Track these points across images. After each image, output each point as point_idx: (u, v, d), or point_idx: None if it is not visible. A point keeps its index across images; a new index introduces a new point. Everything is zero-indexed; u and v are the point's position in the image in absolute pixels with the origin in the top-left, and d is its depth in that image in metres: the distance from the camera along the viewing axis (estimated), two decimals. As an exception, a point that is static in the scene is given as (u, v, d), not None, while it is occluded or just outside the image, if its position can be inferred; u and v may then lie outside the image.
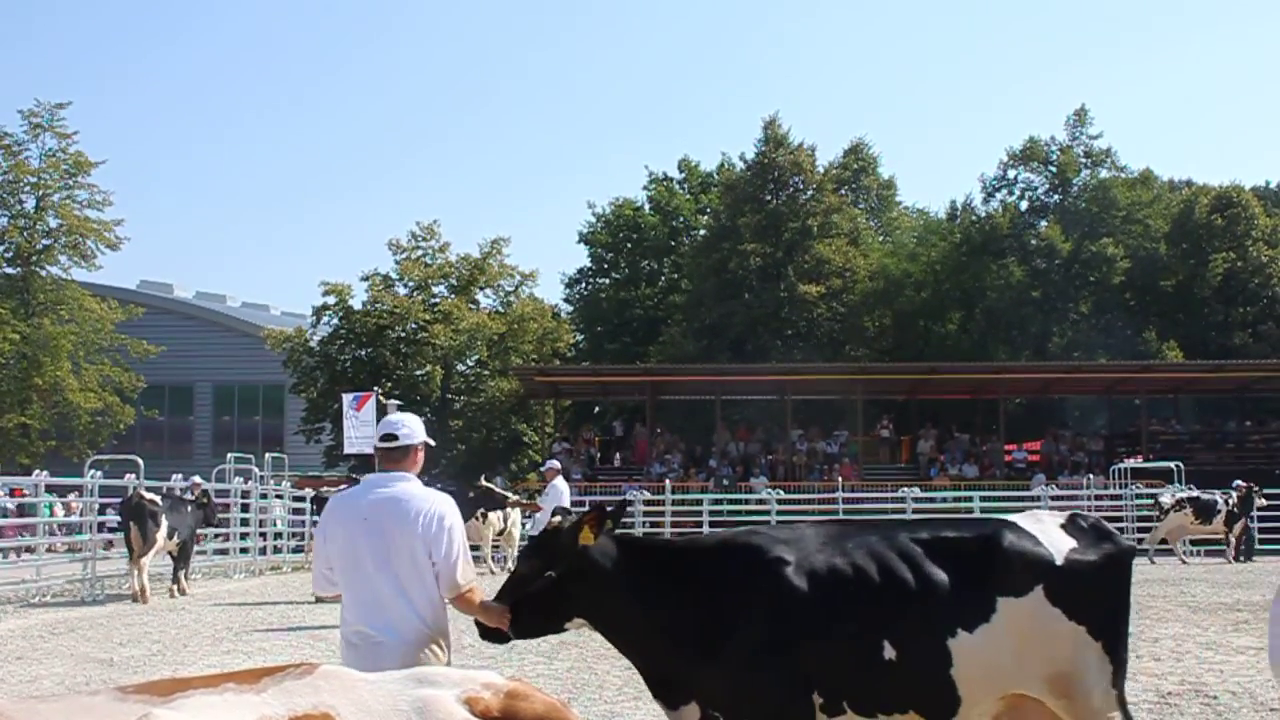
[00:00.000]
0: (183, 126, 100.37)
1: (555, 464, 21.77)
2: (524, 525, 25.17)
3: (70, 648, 14.90)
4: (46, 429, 44.87)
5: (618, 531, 5.96)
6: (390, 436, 5.90)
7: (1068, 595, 5.74)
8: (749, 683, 5.53)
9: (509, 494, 21.41)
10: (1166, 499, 29.79)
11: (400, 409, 39.66)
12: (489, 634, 5.87)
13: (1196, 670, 11.77)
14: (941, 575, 5.71)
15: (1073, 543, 5.96)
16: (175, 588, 22.55)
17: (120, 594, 22.53)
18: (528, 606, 5.78)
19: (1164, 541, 30.40)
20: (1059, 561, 5.81)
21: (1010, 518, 6.16)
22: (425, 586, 5.66)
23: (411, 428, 6.02)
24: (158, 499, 22.69)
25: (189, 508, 24.00)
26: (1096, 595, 5.88)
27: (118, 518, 25.34)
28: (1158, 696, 10.35)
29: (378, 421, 32.66)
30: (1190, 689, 10.67)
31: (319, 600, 18.73)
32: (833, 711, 5.63)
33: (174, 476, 29.12)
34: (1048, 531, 5.99)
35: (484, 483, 22.69)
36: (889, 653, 5.57)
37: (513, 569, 6.37)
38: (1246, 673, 11.55)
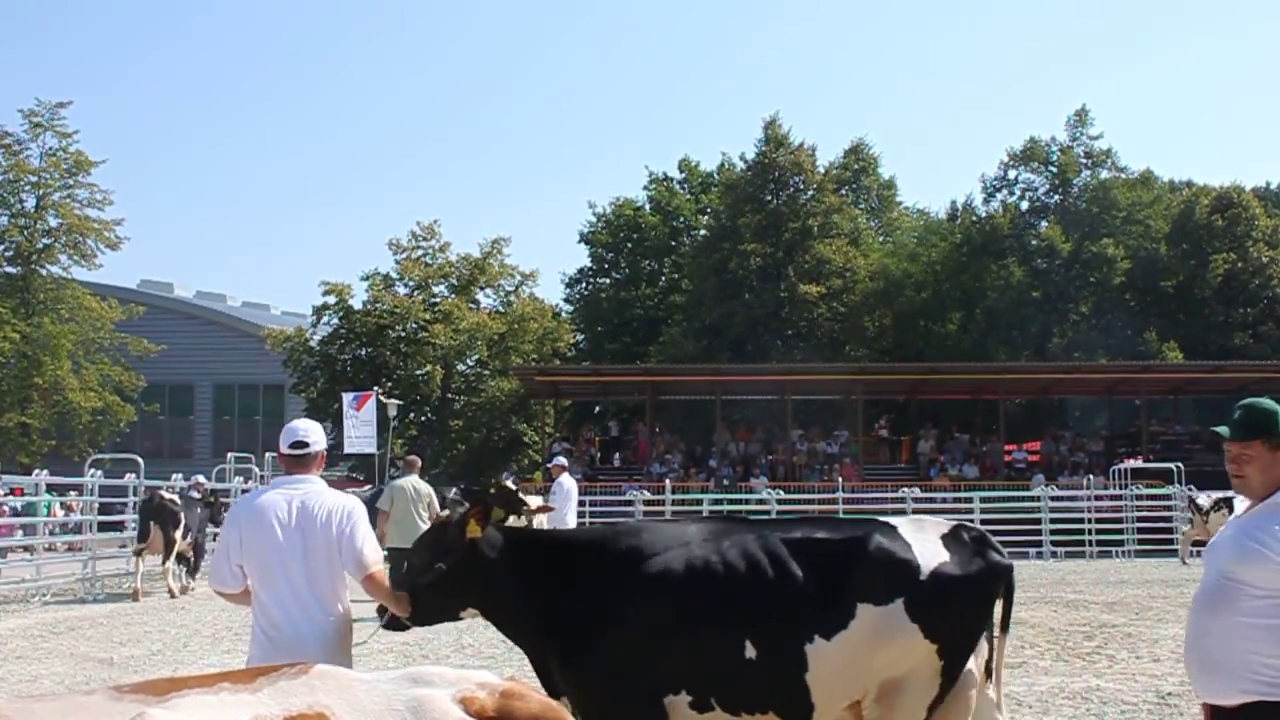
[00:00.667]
0: (183, 126, 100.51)
1: (562, 460, 21.70)
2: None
3: (70, 647, 14.91)
4: (47, 428, 44.87)
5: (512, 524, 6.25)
6: (301, 444, 6.16)
7: (928, 611, 5.66)
8: (612, 676, 5.59)
9: (526, 501, 21.36)
10: (1204, 500, 29.53)
11: (400, 409, 39.92)
12: (392, 623, 6.14)
13: (1196, 671, 11.75)
14: (806, 577, 5.68)
15: (945, 556, 5.86)
16: (177, 586, 22.59)
17: (120, 593, 22.54)
18: (422, 596, 5.98)
19: (1198, 543, 30.22)
20: (924, 575, 5.72)
21: (894, 521, 6.09)
22: (335, 585, 5.98)
23: (318, 436, 6.30)
24: (177, 499, 22.90)
25: (199, 508, 24.15)
26: (957, 615, 5.80)
27: (116, 517, 25.45)
28: (1157, 697, 10.36)
29: (378, 421, 32.76)
30: (1190, 690, 10.63)
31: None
32: (702, 708, 5.64)
33: (174, 476, 29.11)
34: (923, 540, 5.91)
35: (504, 483, 22.75)
36: (750, 652, 5.56)
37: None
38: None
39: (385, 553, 18.52)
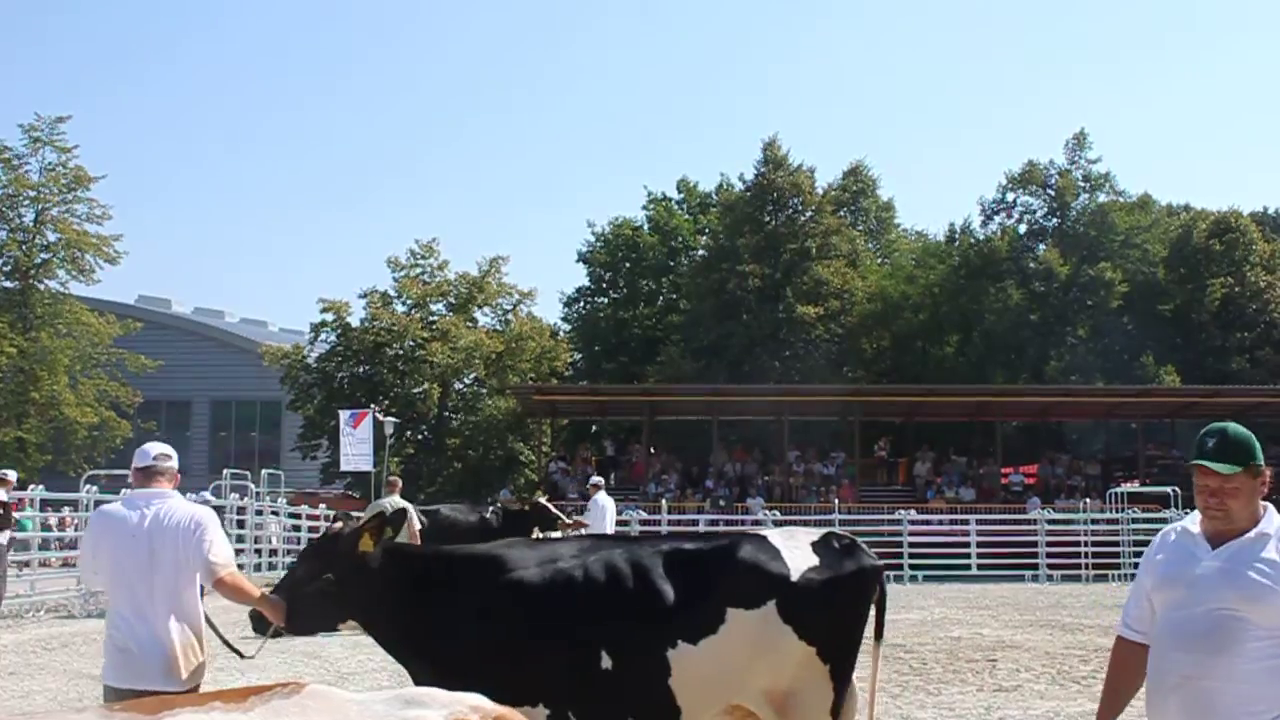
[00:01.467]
0: (182, 142, 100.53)
1: (598, 479, 21.98)
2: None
3: (63, 663, 14.86)
4: (43, 443, 44.78)
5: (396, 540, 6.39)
6: (165, 455, 6.47)
7: (800, 613, 5.76)
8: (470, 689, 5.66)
9: (560, 514, 21.55)
10: None
11: (397, 427, 39.87)
12: (260, 625, 6.27)
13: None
14: (670, 587, 5.79)
15: (814, 560, 5.98)
16: None
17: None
18: (304, 605, 6.09)
19: None
20: (794, 578, 5.84)
21: (763, 532, 6.24)
22: (185, 598, 6.17)
23: (174, 455, 6.65)
24: None
25: None
26: (831, 616, 5.91)
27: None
28: None
29: (375, 439, 32.78)
30: (1186, 715, 10.63)
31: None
32: None
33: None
34: (793, 547, 6.04)
35: (540, 500, 22.88)
36: (605, 662, 5.66)
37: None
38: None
39: None
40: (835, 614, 5.93)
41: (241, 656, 6.47)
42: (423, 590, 6.04)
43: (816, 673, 5.81)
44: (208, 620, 6.44)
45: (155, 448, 6.56)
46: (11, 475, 21.75)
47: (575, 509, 36.29)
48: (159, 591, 6.04)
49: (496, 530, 20.42)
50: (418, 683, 5.87)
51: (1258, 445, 4.46)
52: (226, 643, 6.50)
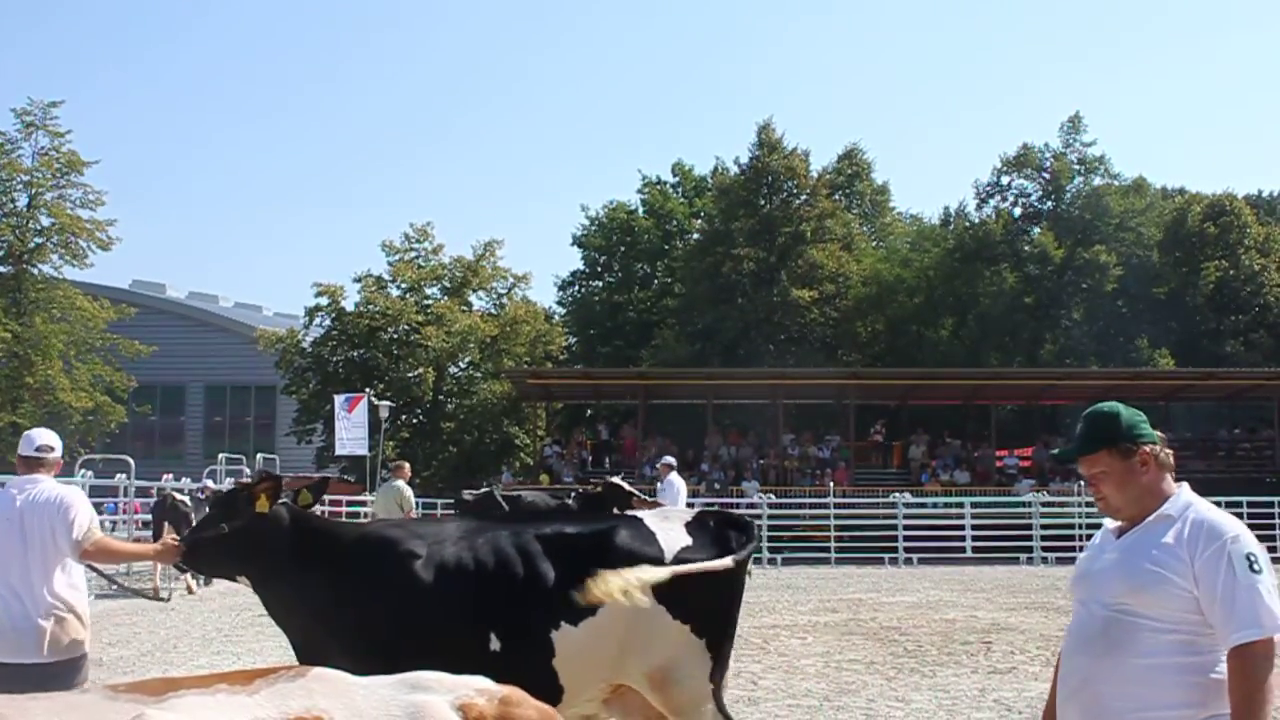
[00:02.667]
0: (176, 126, 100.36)
1: (670, 460, 21.86)
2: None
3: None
4: (37, 428, 44.69)
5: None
6: (48, 447, 6.76)
7: (674, 592, 5.86)
8: (356, 669, 5.72)
9: (635, 492, 21.43)
10: None
11: (392, 411, 39.90)
12: (180, 568, 7.02)
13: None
14: (552, 570, 5.94)
15: (688, 540, 6.14)
16: (195, 584, 23.15)
17: (107, 594, 22.48)
18: (202, 549, 6.41)
19: None
20: (668, 558, 5.98)
21: (639, 514, 6.42)
22: (56, 579, 6.44)
23: (57, 444, 6.95)
24: (188, 500, 23.61)
25: (206, 509, 24.46)
26: (703, 594, 6.03)
27: (107, 517, 25.70)
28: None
29: (370, 423, 32.87)
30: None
31: None
32: None
33: (165, 477, 29.10)
34: (667, 529, 6.19)
35: (613, 480, 22.74)
36: (494, 644, 5.81)
37: None
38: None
39: None
40: (708, 592, 6.05)
41: (158, 598, 6.87)
42: (308, 560, 6.14)
43: (694, 650, 5.96)
44: (113, 581, 7.26)
45: (40, 437, 6.88)
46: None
47: (568, 493, 36.44)
48: (33, 569, 6.34)
49: (570, 511, 20.30)
50: (299, 654, 6.12)
51: (1131, 421, 4.07)
52: (137, 592, 6.94)
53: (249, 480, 6.69)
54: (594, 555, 5.95)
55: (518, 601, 5.90)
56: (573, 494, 22.42)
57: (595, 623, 5.82)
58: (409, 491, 19.17)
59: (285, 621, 6.30)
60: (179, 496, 23.81)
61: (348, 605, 5.96)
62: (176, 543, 6.76)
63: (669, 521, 6.28)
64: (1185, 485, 4.08)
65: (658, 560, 5.91)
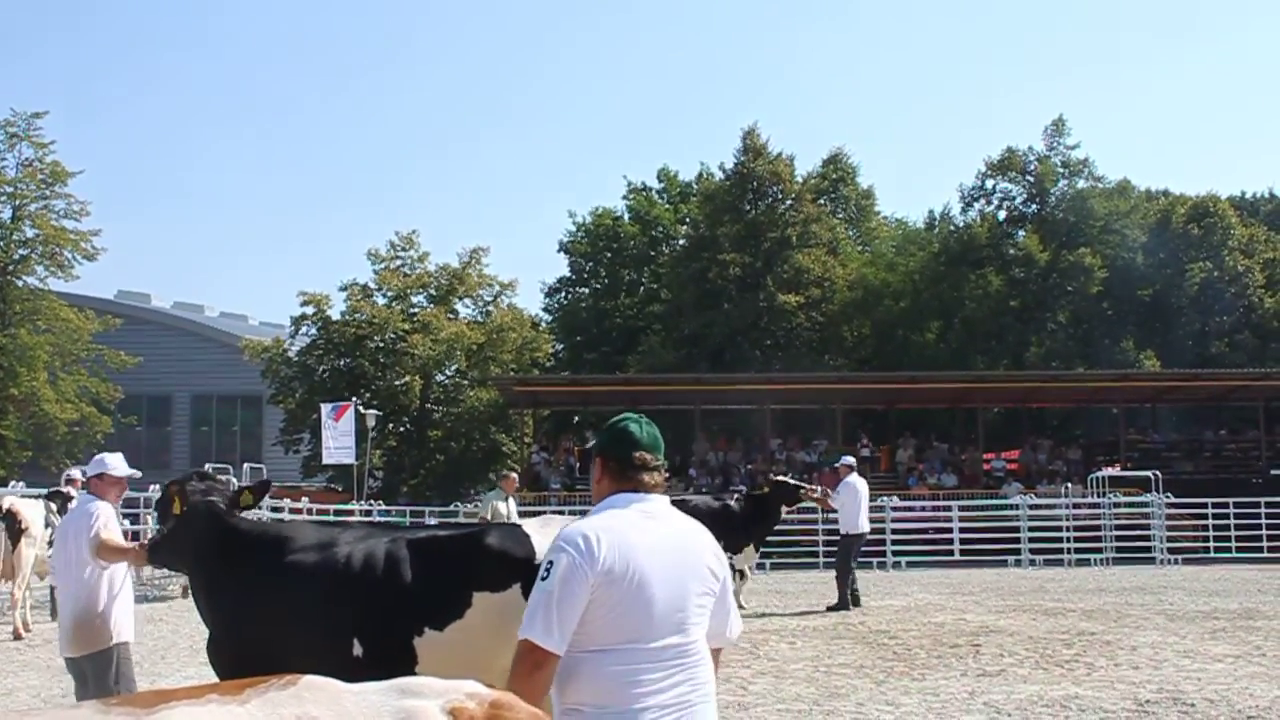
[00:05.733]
0: (161, 136, 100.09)
1: (850, 460, 21.74)
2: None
3: (46, 660, 14.81)
4: (23, 439, 44.64)
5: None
6: (83, 474, 8.17)
7: None
8: (240, 669, 5.87)
9: (804, 485, 21.22)
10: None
11: (379, 419, 39.85)
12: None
13: (1174, 678, 11.83)
14: (419, 575, 6.03)
15: None
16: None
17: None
18: (155, 548, 7.14)
19: None
20: (538, 560, 5.92)
21: (522, 522, 6.61)
22: (89, 573, 7.80)
23: (109, 467, 8.17)
24: None
25: None
26: None
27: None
28: (1135, 704, 10.41)
29: (357, 432, 32.80)
30: (1168, 697, 10.72)
31: None
32: None
33: (151, 487, 29.01)
34: (545, 534, 6.23)
35: (780, 477, 22.47)
36: (357, 650, 5.91)
37: None
38: (1224, 680, 11.62)
39: None
40: None
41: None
42: (217, 562, 6.45)
43: None
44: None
45: (94, 465, 8.28)
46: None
47: (556, 498, 36.46)
48: (65, 574, 7.95)
49: (739, 515, 20.15)
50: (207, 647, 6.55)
51: (604, 432, 4.20)
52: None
53: (175, 480, 7.11)
54: (466, 558, 6.06)
55: (381, 608, 6.00)
56: (736, 495, 22.23)
57: (462, 625, 5.90)
58: (504, 508, 18.27)
59: (205, 618, 6.67)
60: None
61: (230, 601, 6.27)
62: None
63: (549, 527, 6.34)
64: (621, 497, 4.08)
65: (528, 561, 5.94)
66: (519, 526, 6.34)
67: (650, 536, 3.87)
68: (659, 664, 3.79)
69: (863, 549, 22.56)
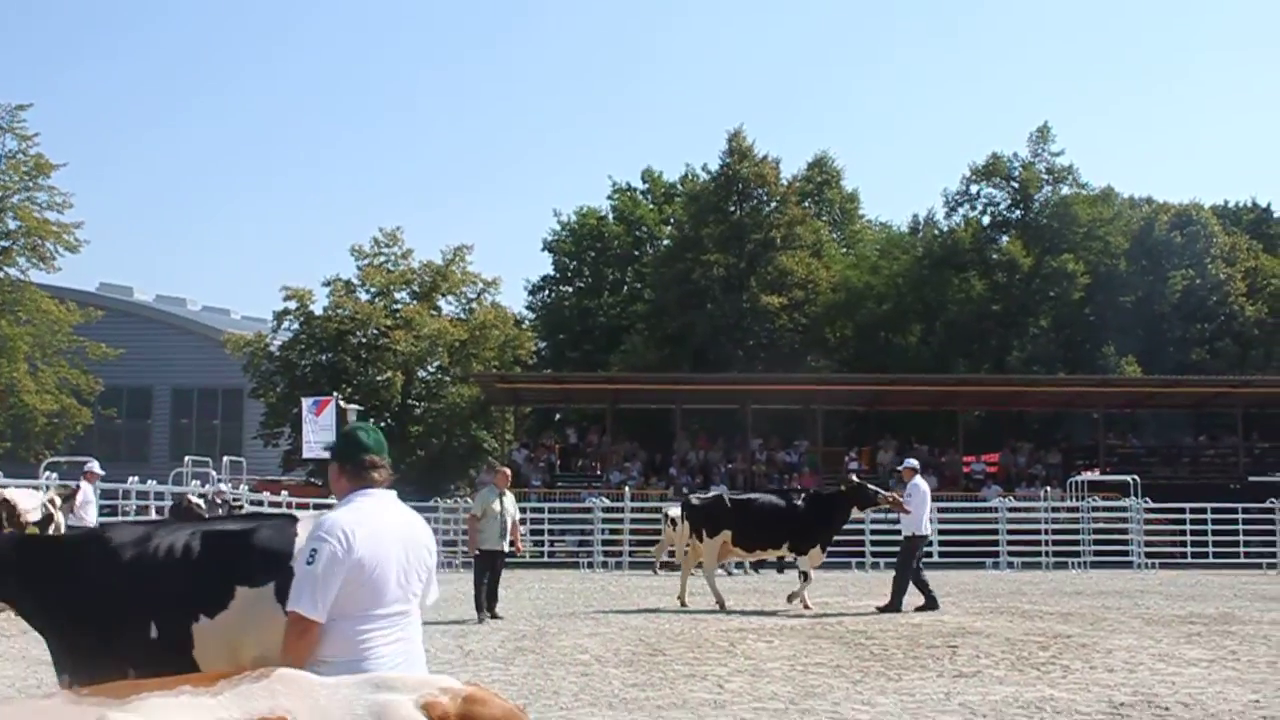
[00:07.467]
0: (144, 129, 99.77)
1: (914, 463, 21.56)
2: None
3: (22, 650, 14.75)
4: (2, 430, 44.45)
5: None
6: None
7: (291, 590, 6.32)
8: (75, 661, 6.34)
9: (881, 490, 21.04)
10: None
11: (360, 415, 39.81)
12: None
13: (1149, 681, 11.87)
14: (206, 565, 6.36)
15: None
16: None
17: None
18: None
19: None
20: (294, 559, 6.26)
21: (298, 514, 6.76)
22: None
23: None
24: (202, 504, 23.65)
25: (220, 512, 24.61)
26: None
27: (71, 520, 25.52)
28: (1110, 707, 10.44)
29: (338, 426, 32.79)
30: (1142, 700, 10.76)
31: None
32: None
33: (130, 479, 28.94)
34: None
35: (854, 479, 22.27)
36: (154, 632, 6.26)
37: None
38: (1198, 684, 11.66)
39: (478, 553, 18.51)
40: None
41: None
42: (28, 575, 6.56)
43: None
44: None
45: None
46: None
47: (537, 494, 36.44)
48: None
49: (802, 513, 19.97)
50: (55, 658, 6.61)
51: (338, 440, 5.48)
52: None
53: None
54: (239, 551, 6.33)
55: (172, 594, 6.29)
56: (804, 495, 22.01)
57: (225, 616, 6.18)
58: (497, 505, 18.61)
59: (39, 630, 6.76)
60: (194, 500, 23.89)
61: (60, 609, 6.46)
62: None
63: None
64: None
65: (285, 559, 6.14)
66: (293, 522, 6.53)
67: (386, 525, 5.03)
68: (390, 626, 4.91)
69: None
